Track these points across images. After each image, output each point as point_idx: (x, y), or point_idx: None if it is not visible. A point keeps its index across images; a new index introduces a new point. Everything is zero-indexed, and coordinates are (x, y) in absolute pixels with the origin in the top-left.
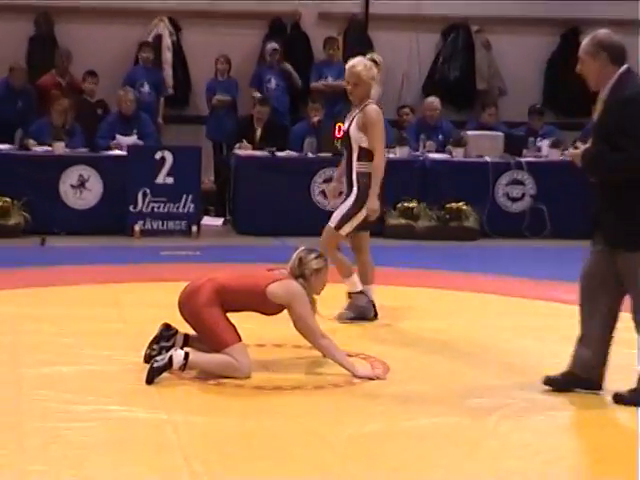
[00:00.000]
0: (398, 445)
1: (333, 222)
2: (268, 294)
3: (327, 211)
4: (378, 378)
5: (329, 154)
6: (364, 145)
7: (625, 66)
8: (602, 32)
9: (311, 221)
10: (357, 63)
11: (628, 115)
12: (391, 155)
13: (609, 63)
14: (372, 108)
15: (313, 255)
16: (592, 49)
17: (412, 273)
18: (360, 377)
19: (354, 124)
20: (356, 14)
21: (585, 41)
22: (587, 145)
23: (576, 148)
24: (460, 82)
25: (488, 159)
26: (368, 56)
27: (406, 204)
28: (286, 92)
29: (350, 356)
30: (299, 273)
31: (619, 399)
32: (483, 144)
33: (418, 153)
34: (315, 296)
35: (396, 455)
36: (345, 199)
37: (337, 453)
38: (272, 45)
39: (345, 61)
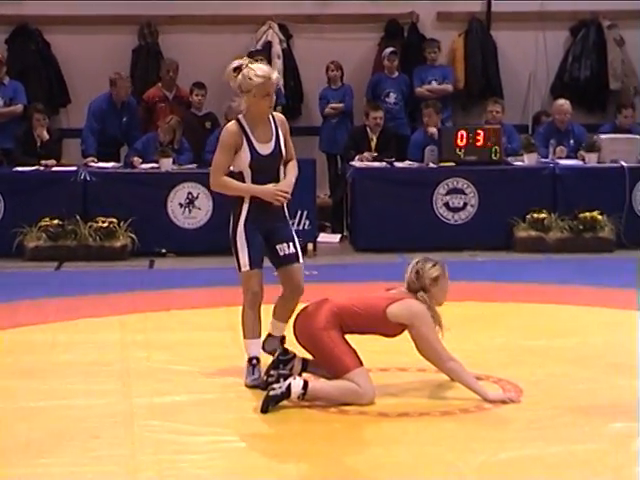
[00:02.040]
0: (533, 474)
1: (301, 259)
2: (389, 315)
3: (451, 224)
4: (511, 402)
5: (452, 163)
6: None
7: None
8: None
9: (434, 235)
10: (272, 71)
11: None
12: (519, 163)
13: None
14: (278, 113)
15: (429, 264)
16: None
17: (542, 288)
18: (491, 401)
19: (282, 140)
20: (477, 13)
21: None
22: None
23: None
24: (591, 82)
25: (624, 164)
26: (247, 60)
27: (536, 215)
28: (405, 104)
29: (479, 379)
30: (419, 286)
31: None
32: (618, 148)
33: (548, 160)
34: (439, 311)
35: None
36: (284, 228)
37: None
38: (388, 50)
39: (467, 64)
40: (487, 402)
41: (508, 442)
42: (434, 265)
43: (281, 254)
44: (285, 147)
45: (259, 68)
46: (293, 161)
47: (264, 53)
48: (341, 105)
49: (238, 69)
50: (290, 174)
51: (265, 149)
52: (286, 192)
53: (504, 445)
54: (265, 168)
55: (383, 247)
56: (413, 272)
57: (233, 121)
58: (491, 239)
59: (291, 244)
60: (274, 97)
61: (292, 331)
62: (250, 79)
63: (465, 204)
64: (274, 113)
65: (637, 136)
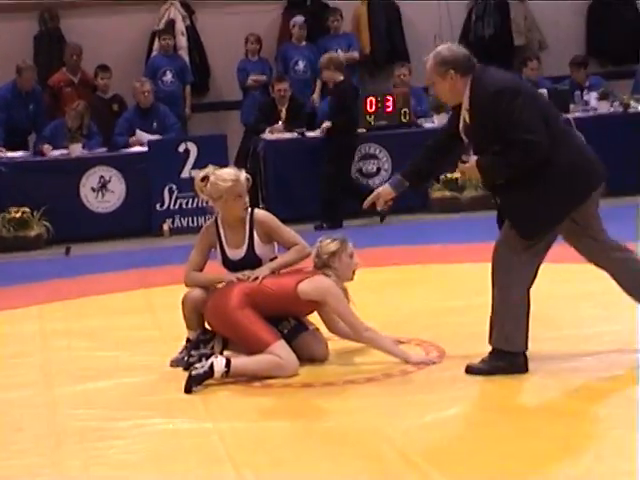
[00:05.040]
0: (461, 433)
1: None
2: (300, 292)
3: (366, 192)
4: (433, 363)
5: (363, 130)
6: (272, 255)
7: (474, 71)
8: (443, 48)
9: (350, 202)
10: (239, 173)
11: (499, 107)
12: (429, 124)
13: (459, 78)
14: (261, 212)
15: (328, 240)
16: (439, 69)
17: (458, 248)
18: (414, 363)
19: (256, 243)
20: None
21: (429, 62)
22: (472, 157)
23: (463, 162)
24: (496, 39)
25: None
26: (212, 168)
27: (450, 175)
28: (313, 73)
29: (401, 343)
30: (321, 264)
31: (469, 370)
32: None
33: None
34: (346, 285)
35: (459, 444)
36: None
37: (396, 447)
38: (299, 18)
39: (371, 30)
40: (410, 365)
41: (434, 404)
42: (332, 241)
43: None
44: (269, 245)
45: (226, 172)
46: (297, 246)
47: (169, 31)
48: (263, 77)
49: (206, 178)
50: (280, 258)
51: (235, 254)
52: (247, 277)
53: (430, 407)
54: (239, 270)
55: (298, 217)
56: (314, 250)
57: (212, 220)
58: (407, 201)
59: None
60: (247, 198)
61: (205, 316)
62: (218, 184)
63: (379, 169)
64: (256, 212)
65: (544, 89)
